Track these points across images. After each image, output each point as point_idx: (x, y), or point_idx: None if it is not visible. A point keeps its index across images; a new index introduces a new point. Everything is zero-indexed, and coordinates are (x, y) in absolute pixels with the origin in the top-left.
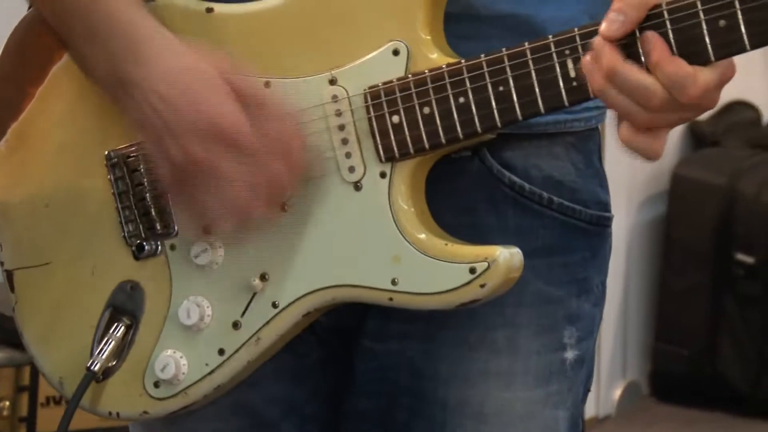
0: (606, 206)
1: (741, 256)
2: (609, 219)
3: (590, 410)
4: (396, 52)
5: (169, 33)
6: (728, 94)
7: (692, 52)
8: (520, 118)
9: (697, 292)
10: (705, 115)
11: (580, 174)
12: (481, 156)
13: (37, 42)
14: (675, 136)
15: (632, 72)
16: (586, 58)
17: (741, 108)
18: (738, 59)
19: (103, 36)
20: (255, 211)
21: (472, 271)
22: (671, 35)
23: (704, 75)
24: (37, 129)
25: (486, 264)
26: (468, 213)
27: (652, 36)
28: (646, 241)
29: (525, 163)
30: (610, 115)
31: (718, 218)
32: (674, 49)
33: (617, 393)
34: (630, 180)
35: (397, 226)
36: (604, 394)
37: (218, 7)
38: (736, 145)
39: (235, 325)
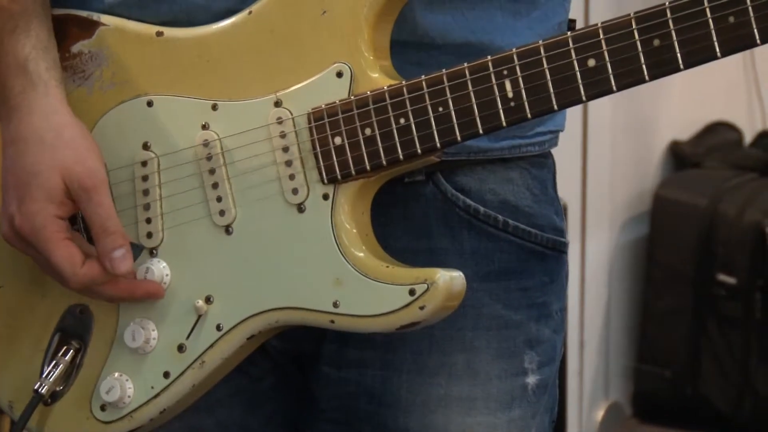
0: (562, 232)
1: (723, 277)
2: (565, 245)
3: (573, 431)
4: (339, 74)
5: (55, 91)
6: (710, 115)
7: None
8: (459, 138)
9: (680, 313)
10: (687, 136)
11: (535, 200)
12: (435, 180)
13: None
14: (657, 157)
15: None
16: None
17: (722, 129)
18: (720, 81)
19: None
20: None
21: (412, 293)
22: (607, 56)
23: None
24: None
25: (425, 286)
26: (424, 237)
27: None
28: (628, 262)
29: (480, 187)
30: (594, 141)
31: (700, 239)
32: (610, 69)
33: (600, 414)
34: (611, 201)
35: (339, 248)
36: (587, 416)
37: (168, 31)
38: (718, 166)
39: (180, 348)
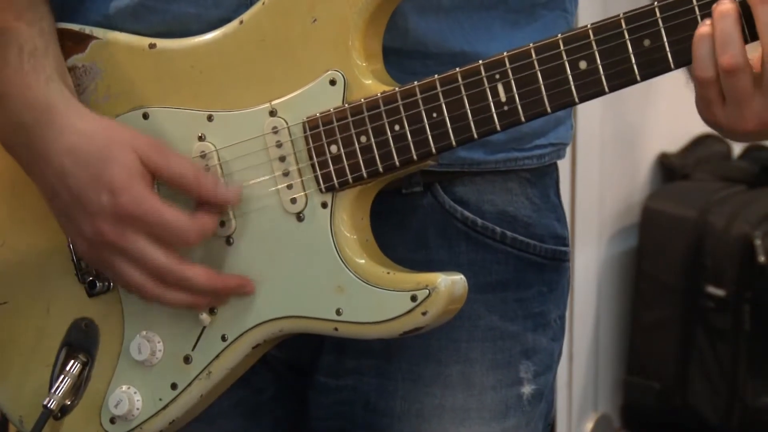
0: (563, 240)
1: (711, 289)
2: (566, 253)
3: None
4: (333, 82)
5: (82, 106)
6: (698, 127)
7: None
8: (454, 144)
9: (668, 325)
10: (675, 148)
11: (535, 208)
12: (433, 191)
13: None
14: (645, 169)
15: None
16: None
17: (711, 141)
18: None
19: (13, 106)
20: (161, 295)
21: (414, 298)
22: (598, 57)
23: None
24: None
25: (427, 291)
26: (421, 248)
27: None
28: (616, 274)
29: (478, 199)
30: (583, 153)
31: (689, 251)
32: (601, 70)
33: (589, 426)
34: (600, 213)
35: (339, 256)
36: (576, 427)
37: (160, 43)
38: (706, 178)
39: (187, 360)
